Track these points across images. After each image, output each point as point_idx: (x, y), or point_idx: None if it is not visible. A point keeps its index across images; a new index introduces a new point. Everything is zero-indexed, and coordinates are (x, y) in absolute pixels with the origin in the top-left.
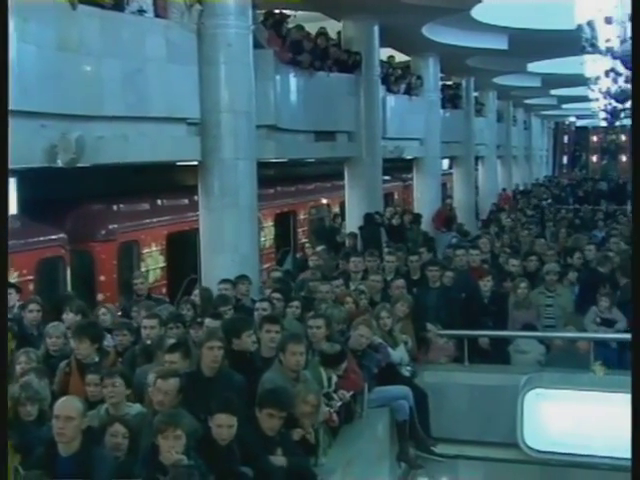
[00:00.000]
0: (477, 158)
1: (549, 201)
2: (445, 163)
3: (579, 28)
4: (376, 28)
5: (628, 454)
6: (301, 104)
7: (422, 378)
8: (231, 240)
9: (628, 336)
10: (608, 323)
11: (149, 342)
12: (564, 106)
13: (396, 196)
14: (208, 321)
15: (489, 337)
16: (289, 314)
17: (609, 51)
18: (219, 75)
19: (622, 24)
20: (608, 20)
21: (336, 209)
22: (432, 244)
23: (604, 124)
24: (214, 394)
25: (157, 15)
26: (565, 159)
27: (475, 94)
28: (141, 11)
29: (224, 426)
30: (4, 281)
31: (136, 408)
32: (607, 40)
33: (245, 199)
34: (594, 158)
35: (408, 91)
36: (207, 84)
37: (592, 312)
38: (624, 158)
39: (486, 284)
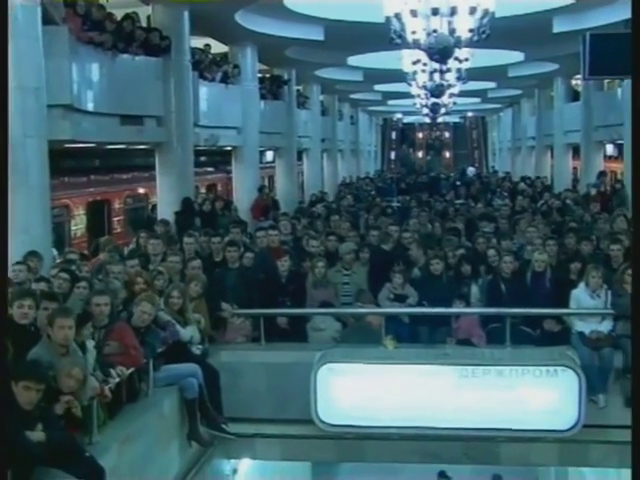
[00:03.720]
0: (303, 151)
1: (372, 192)
2: (271, 155)
3: (388, 21)
4: (186, 14)
5: (416, 423)
6: (104, 86)
7: (219, 358)
8: (21, 221)
9: (420, 310)
10: (401, 299)
11: None
12: (390, 102)
13: (219, 187)
14: None
15: (285, 315)
16: (75, 294)
17: (416, 44)
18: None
19: (427, 17)
20: (413, 13)
21: (154, 198)
22: (244, 228)
23: (428, 120)
24: None
25: None
26: (393, 154)
27: (299, 87)
28: None
29: None
30: (4, 280)
31: None
32: (413, 32)
33: (35, 179)
34: (420, 154)
35: (225, 80)
36: None
37: (386, 288)
38: (447, 154)
39: (284, 264)
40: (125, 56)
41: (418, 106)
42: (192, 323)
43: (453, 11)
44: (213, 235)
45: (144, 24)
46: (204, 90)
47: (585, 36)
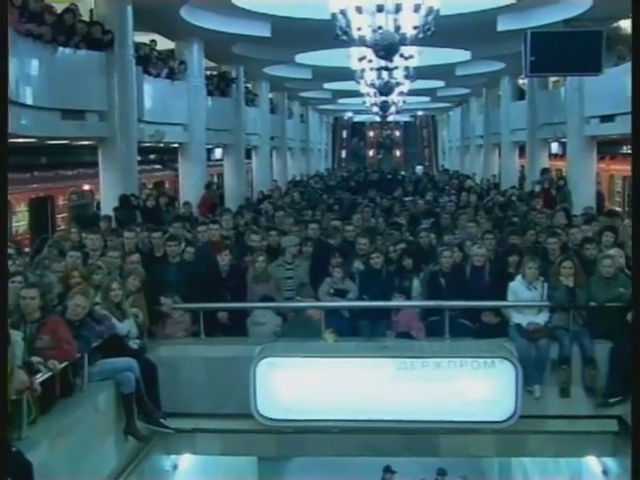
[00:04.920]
0: (252, 148)
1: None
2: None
3: (333, 17)
4: (129, 8)
5: (355, 416)
6: (43, 79)
7: (158, 352)
8: None
9: (360, 303)
10: (341, 293)
11: None
12: (340, 100)
13: (167, 185)
14: None
15: (224, 309)
16: (10, 289)
17: (361, 40)
18: None
19: (372, 14)
20: (359, 10)
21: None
22: (192, 223)
23: (378, 119)
24: None
25: None
26: (344, 153)
27: (248, 84)
28: None
29: None
30: (4, 278)
31: None
32: (359, 29)
33: None
34: (371, 152)
35: (171, 76)
36: None
37: (326, 283)
38: (398, 153)
39: (224, 258)
40: (66, 50)
41: (368, 105)
42: (129, 317)
43: (398, 8)
44: (154, 230)
45: (87, 18)
46: (149, 86)
47: (526, 34)
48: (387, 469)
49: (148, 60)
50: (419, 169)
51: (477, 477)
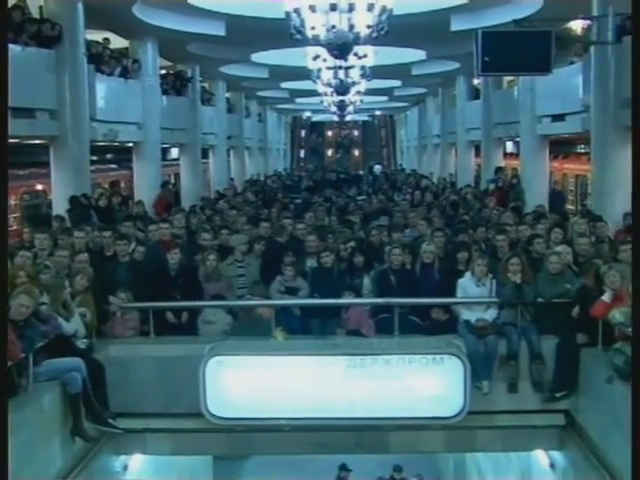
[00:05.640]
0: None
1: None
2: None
3: (287, 16)
4: (80, 5)
5: (306, 414)
6: None
7: (107, 352)
8: None
9: (309, 301)
10: (292, 291)
11: None
12: (298, 100)
13: (123, 184)
14: None
15: (173, 308)
16: None
17: (315, 39)
18: None
19: (326, 13)
20: (312, 9)
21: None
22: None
23: (336, 119)
24: None
25: None
26: (302, 152)
27: (205, 84)
28: None
29: None
30: (4, 279)
31: None
32: (313, 28)
33: None
34: (329, 152)
35: (125, 74)
36: None
37: (277, 281)
38: (357, 152)
39: (173, 257)
40: (15, 47)
41: (326, 104)
42: (77, 317)
43: (351, 7)
44: (105, 229)
45: (37, 15)
46: (102, 84)
47: (477, 34)
48: (343, 467)
49: (100, 58)
50: (377, 168)
51: (433, 473)
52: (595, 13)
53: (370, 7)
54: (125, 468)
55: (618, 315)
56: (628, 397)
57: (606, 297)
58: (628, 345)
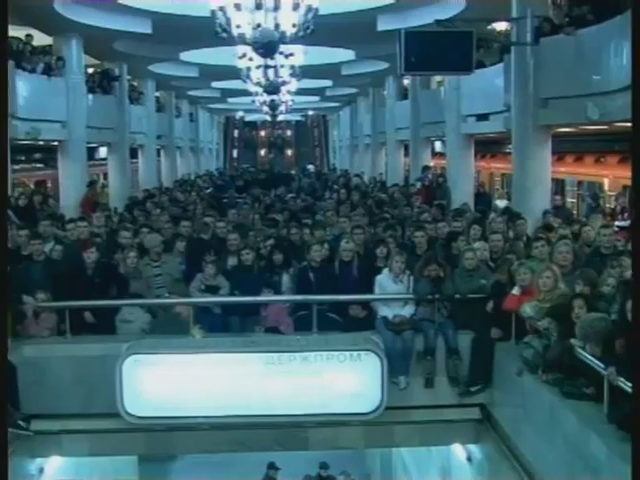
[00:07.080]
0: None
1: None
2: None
3: (213, 14)
4: None
5: (224, 412)
6: None
7: (22, 352)
8: None
9: (227, 299)
10: (212, 289)
11: None
12: (230, 100)
13: (50, 184)
14: None
15: (89, 307)
16: None
17: (241, 38)
18: None
19: (251, 11)
20: (237, 7)
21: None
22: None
23: (269, 118)
24: None
25: None
26: (236, 152)
27: (134, 82)
28: None
29: None
30: (4, 278)
31: None
32: (238, 26)
33: None
34: (262, 152)
35: (48, 72)
36: None
37: (197, 279)
38: (290, 152)
39: (90, 256)
40: None
41: (258, 104)
42: None
43: (277, 6)
44: (21, 228)
45: None
46: (23, 81)
47: (400, 33)
48: (271, 466)
49: (21, 54)
50: (310, 168)
51: (359, 470)
52: (515, 15)
53: (296, 6)
54: (41, 471)
55: (529, 309)
56: (537, 389)
57: (515, 291)
58: (537, 338)
